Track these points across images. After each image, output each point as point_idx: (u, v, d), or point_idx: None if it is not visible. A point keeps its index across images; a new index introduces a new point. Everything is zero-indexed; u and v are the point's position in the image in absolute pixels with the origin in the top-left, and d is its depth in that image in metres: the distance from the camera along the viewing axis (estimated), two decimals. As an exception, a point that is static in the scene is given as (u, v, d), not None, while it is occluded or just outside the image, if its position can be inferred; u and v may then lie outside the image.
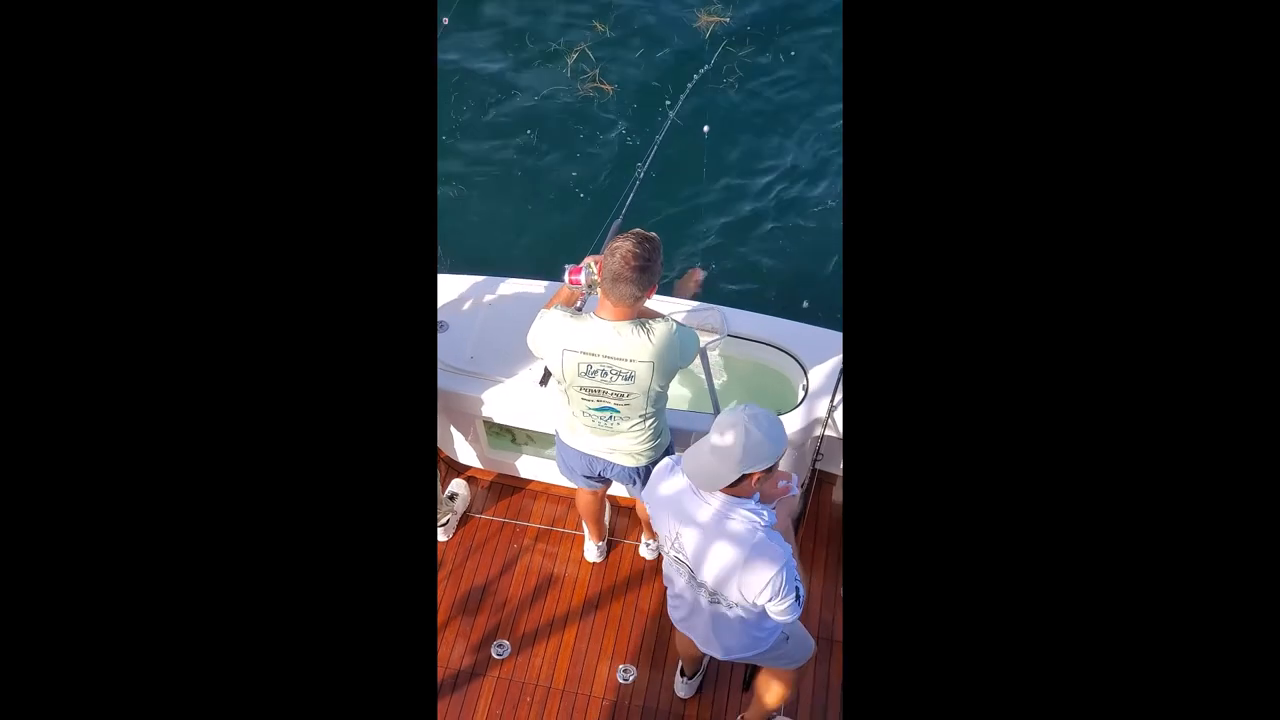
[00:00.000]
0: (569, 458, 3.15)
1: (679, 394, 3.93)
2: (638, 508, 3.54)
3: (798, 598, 2.37)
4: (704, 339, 3.50)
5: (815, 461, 3.19)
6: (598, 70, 6.27)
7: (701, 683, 3.42)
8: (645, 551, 3.75)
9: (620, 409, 2.80)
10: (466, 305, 3.78)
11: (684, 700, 3.39)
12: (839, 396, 3.23)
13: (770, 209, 5.75)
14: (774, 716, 3.28)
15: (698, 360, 3.45)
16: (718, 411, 3.35)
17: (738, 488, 2.32)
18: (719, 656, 2.73)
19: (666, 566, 2.69)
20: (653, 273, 2.59)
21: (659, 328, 2.68)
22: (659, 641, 3.55)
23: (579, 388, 2.78)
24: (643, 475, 3.09)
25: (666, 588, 2.80)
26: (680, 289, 5.03)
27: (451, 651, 3.53)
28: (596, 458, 3.05)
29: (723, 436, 2.27)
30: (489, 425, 3.78)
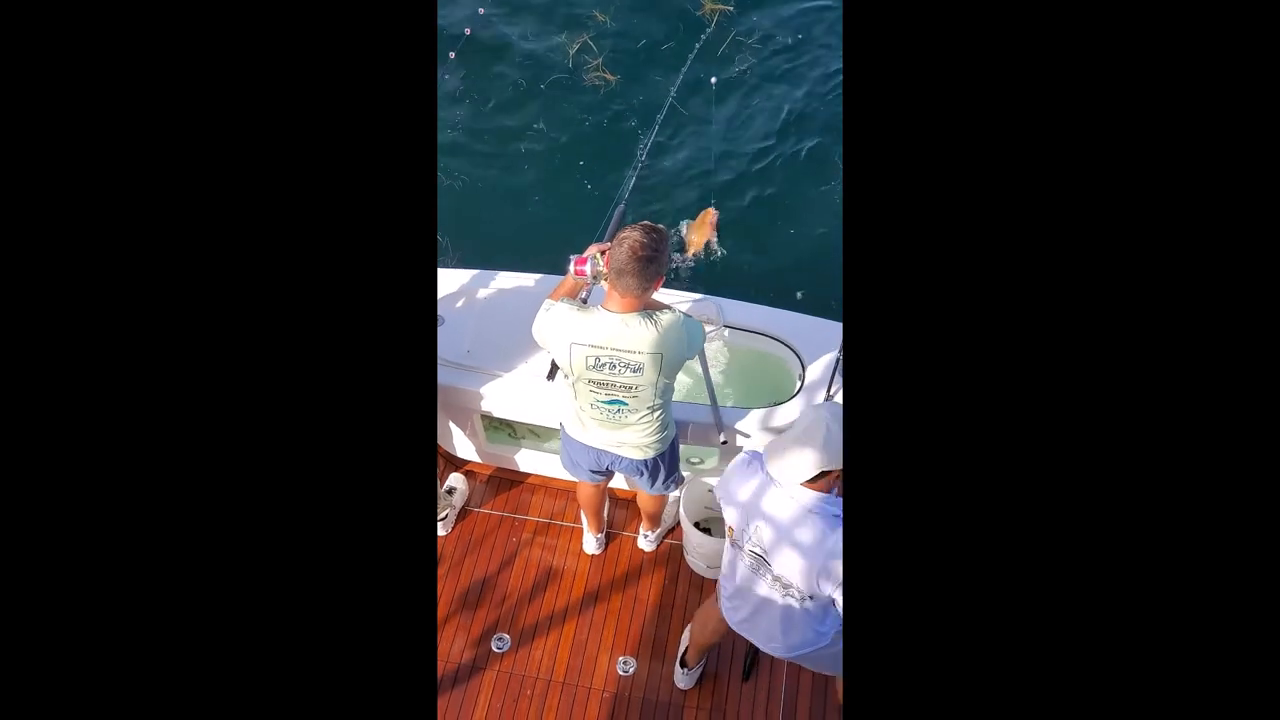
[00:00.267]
0: (575, 452, 3.15)
1: (676, 385, 3.93)
2: (639, 498, 3.54)
3: None
4: (700, 330, 3.51)
5: (813, 451, 3.19)
6: (600, 60, 6.28)
7: (701, 674, 3.42)
8: (644, 544, 3.75)
9: (628, 401, 2.80)
10: (463, 299, 3.78)
11: (684, 691, 3.40)
12: (836, 386, 3.23)
13: (768, 199, 5.76)
14: None
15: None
16: (714, 403, 3.35)
17: (818, 483, 2.42)
18: (781, 655, 2.75)
19: (730, 564, 2.72)
20: (660, 264, 2.59)
21: (666, 319, 2.68)
22: (659, 633, 3.55)
23: (587, 381, 2.77)
24: (649, 468, 3.10)
25: (723, 589, 2.83)
26: (697, 231, 5.09)
27: (451, 646, 3.53)
28: (605, 451, 3.05)
29: (805, 433, 2.39)
30: (487, 419, 3.78)
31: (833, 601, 2.47)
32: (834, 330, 3.58)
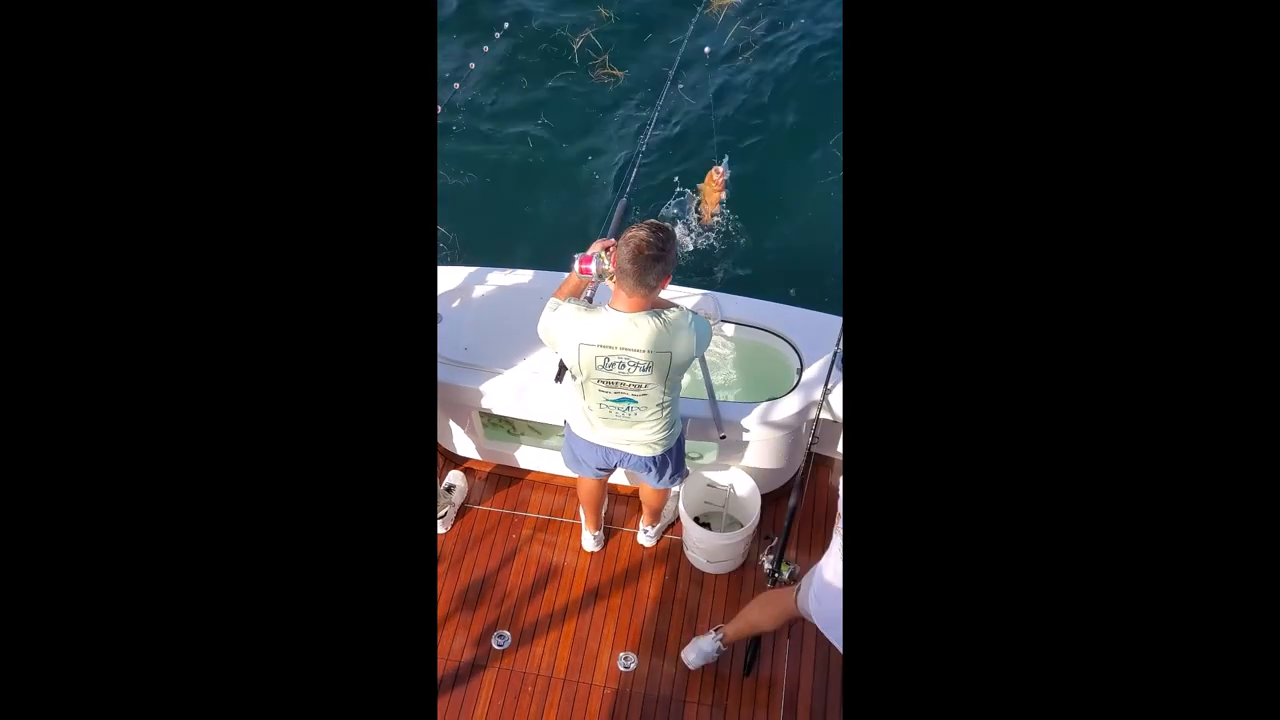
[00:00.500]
0: (581, 450, 3.14)
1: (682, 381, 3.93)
2: (642, 492, 3.54)
3: None
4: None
5: (811, 444, 3.19)
6: (606, 56, 6.28)
7: (704, 666, 3.43)
8: (644, 539, 3.75)
9: (638, 399, 2.80)
10: (460, 297, 3.77)
11: (685, 686, 3.40)
12: (834, 380, 3.23)
13: (767, 193, 5.75)
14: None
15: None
16: (713, 398, 3.34)
17: None
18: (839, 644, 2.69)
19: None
20: (667, 263, 2.57)
21: (675, 318, 2.66)
22: (659, 629, 3.55)
23: (596, 380, 2.76)
24: (658, 464, 3.10)
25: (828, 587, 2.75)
26: (708, 194, 5.13)
27: (452, 644, 3.53)
28: (613, 449, 3.04)
29: None
30: (486, 416, 3.78)
31: None
32: (831, 324, 3.57)
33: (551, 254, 3.80)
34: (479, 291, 3.78)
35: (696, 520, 3.60)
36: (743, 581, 3.65)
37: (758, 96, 6.17)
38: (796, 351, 3.54)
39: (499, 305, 3.72)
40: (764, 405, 3.41)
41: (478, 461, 4.05)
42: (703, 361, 3.37)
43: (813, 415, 3.36)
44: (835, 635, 2.73)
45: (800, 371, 3.48)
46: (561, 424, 3.26)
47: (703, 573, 3.68)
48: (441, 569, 3.74)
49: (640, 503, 3.65)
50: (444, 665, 3.48)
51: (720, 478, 3.62)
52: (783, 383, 3.53)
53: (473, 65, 3.67)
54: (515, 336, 3.44)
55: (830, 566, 2.71)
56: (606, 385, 2.76)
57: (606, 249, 2.72)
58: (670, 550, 3.76)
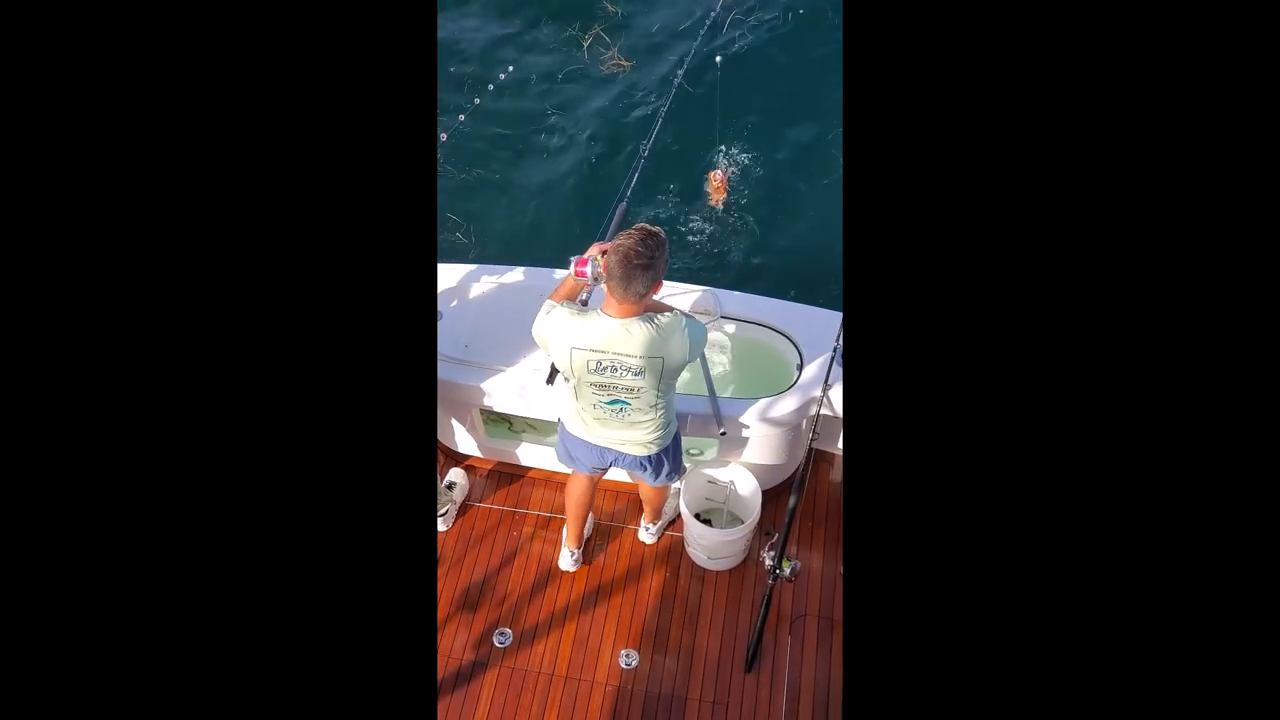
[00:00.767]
0: (576, 448, 3.14)
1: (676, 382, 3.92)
2: (641, 489, 3.53)
3: None
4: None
5: (811, 441, 3.18)
6: (616, 49, 6.30)
7: (705, 664, 3.42)
8: (645, 536, 3.74)
9: (631, 401, 2.80)
10: (460, 295, 3.77)
11: (686, 684, 3.39)
12: (834, 376, 3.22)
13: (770, 190, 5.75)
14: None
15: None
16: (713, 394, 3.34)
17: None
18: None
19: None
20: (657, 270, 2.57)
21: (668, 322, 2.66)
22: (661, 626, 3.54)
23: (588, 383, 2.77)
24: (653, 463, 3.10)
25: None
26: (711, 197, 5.22)
27: (453, 642, 3.53)
28: (608, 449, 3.05)
29: None
30: (486, 414, 3.77)
31: None
32: (831, 320, 3.56)
33: (553, 252, 3.80)
34: (479, 289, 3.78)
35: (697, 517, 3.59)
36: (744, 578, 3.64)
37: (763, 96, 6.16)
38: (797, 348, 3.53)
39: (499, 303, 3.71)
40: (765, 401, 3.40)
41: (479, 459, 4.04)
42: (703, 358, 3.36)
43: (813, 411, 3.35)
44: None
45: (801, 368, 3.47)
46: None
47: (704, 569, 3.68)
48: (443, 567, 3.73)
49: (640, 500, 3.65)
50: (445, 664, 3.47)
51: (721, 474, 3.61)
52: (783, 379, 3.52)
53: (461, 117, 3.70)
54: (516, 334, 3.43)
55: None
56: (599, 388, 2.77)
57: (603, 252, 2.72)
58: (671, 547, 3.75)
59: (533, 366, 3.49)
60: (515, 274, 3.78)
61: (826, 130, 5.96)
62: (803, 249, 5.41)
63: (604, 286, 2.70)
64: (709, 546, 3.57)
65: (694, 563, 3.69)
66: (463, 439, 3.94)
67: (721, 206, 5.48)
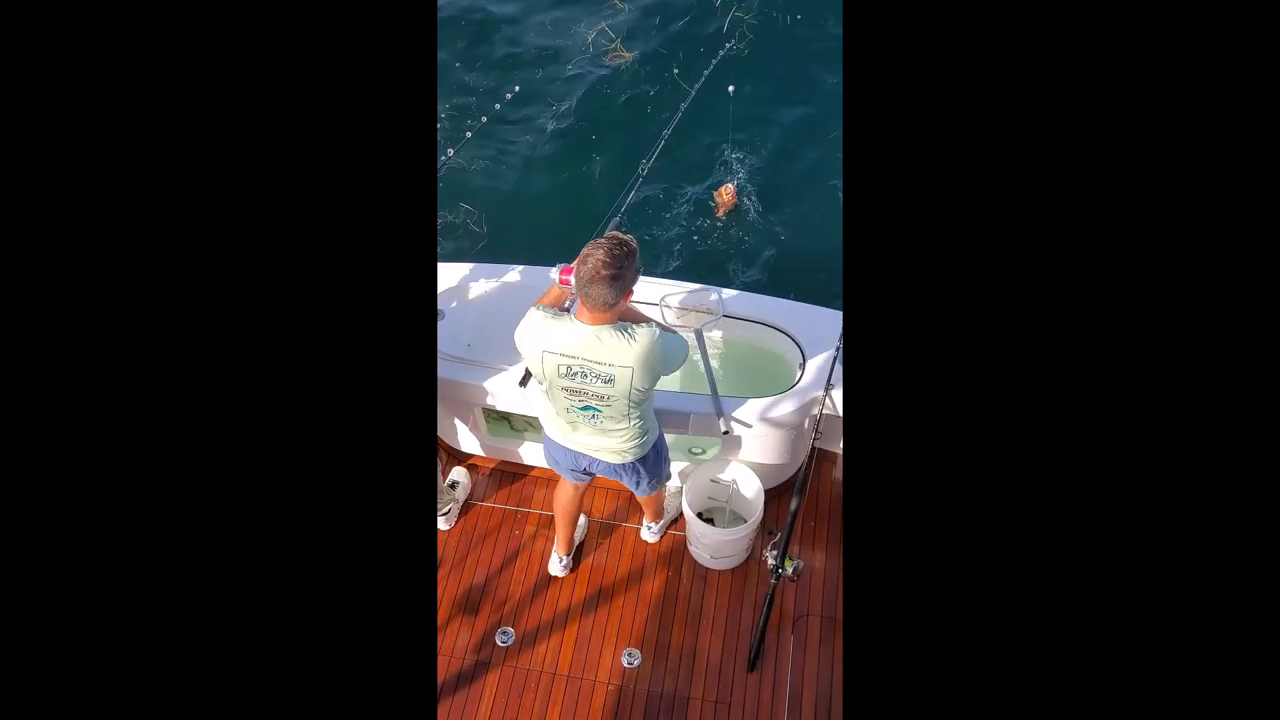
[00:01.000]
0: (555, 452, 3.16)
1: (678, 377, 3.92)
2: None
3: None
4: (700, 320, 3.49)
5: (814, 440, 3.18)
6: (619, 41, 6.32)
7: (707, 664, 3.42)
8: (647, 535, 3.74)
9: (602, 409, 2.80)
10: (462, 294, 3.76)
11: (689, 683, 3.39)
12: (836, 375, 3.21)
13: (767, 189, 5.74)
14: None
15: (695, 341, 3.44)
16: (715, 393, 3.33)
17: None
18: None
19: None
20: (625, 280, 2.57)
21: (641, 334, 2.66)
22: (663, 625, 3.54)
23: (560, 388, 2.77)
24: (628, 471, 3.09)
25: None
26: (719, 209, 5.22)
27: (456, 641, 3.53)
28: (582, 454, 3.06)
29: None
30: (488, 413, 3.77)
31: None
32: (834, 319, 3.55)
33: (555, 251, 3.79)
34: (481, 289, 3.78)
35: (700, 516, 3.59)
36: (746, 577, 3.64)
37: (770, 96, 6.15)
38: (799, 347, 3.52)
39: (501, 302, 3.71)
40: (767, 400, 3.40)
41: (481, 458, 4.04)
42: (705, 355, 3.36)
43: (816, 410, 3.35)
44: None
45: (803, 367, 3.47)
46: None
47: (706, 569, 3.67)
48: (445, 566, 3.73)
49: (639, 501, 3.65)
50: (448, 663, 3.47)
51: (724, 473, 3.61)
52: (786, 378, 3.52)
53: (468, 135, 3.73)
54: None
55: None
56: (570, 393, 2.78)
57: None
58: (674, 546, 3.75)
59: (518, 379, 3.50)
60: (518, 273, 3.78)
61: (836, 133, 5.96)
62: (810, 251, 5.41)
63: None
64: (711, 546, 3.56)
65: (696, 562, 3.69)
66: (465, 438, 3.94)
67: (729, 215, 5.51)
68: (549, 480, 3.97)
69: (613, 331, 2.64)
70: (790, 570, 3.00)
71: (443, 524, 3.82)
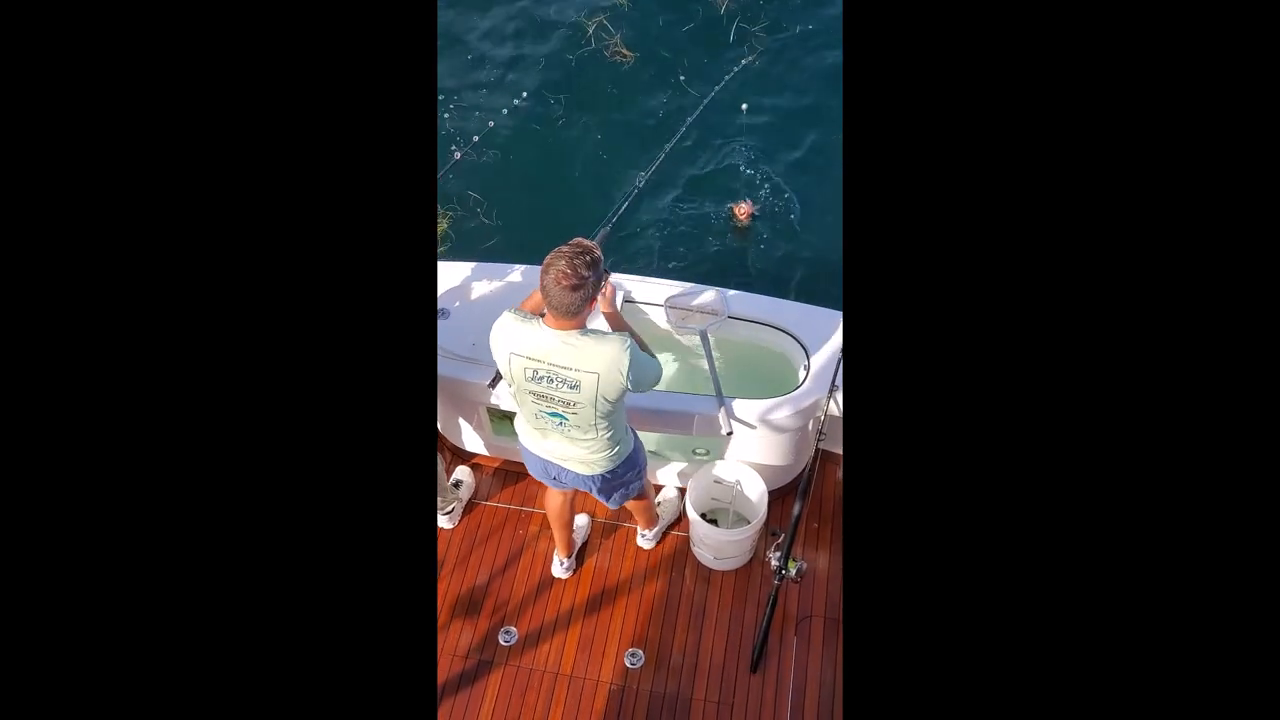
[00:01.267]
0: (527, 458, 3.15)
1: (682, 377, 3.92)
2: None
3: None
4: (705, 320, 3.49)
5: (819, 441, 3.17)
6: (619, 36, 6.33)
7: (710, 664, 3.42)
8: (643, 542, 3.73)
9: (569, 416, 2.77)
10: (467, 292, 3.77)
11: (691, 684, 3.39)
12: (840, 377, 3.21)
13: (773, 193, 5.74)
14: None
15: (699, 343, 3.44)
16: (720, 394, 3.33)
17: None
18: None
19: None
20: (586, 290, 2.56)
21: (611, 343, 2.65)
22: (666, 626, 3.54)
23: (528, 391, 2.77)
24: (597, 483, 3.06)
25: None
26: (738, 221, 5.43)
27: (459, 640, 3.53)
28: (551, 462, 3.03)
29: None
30: (493, 412, 3.77)
31: None
32: (839, 320, 3.55)
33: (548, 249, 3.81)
34: (485, 288, 3.78)
35: (704, 516, 3.59)
36: (750, 578, 3.64)
37: (783, 99, 6.15)
38: (804, 348, 3.52)
39: (506, 301, 3.70)
40: (772, 401, 3.40)
41: (485, 457, 4.04)
42: (710, 356, 3.36)
43: (820, 412, 3.35)
44: None
45: (808, 368, 3.47)
46: None
47: (709, 569, 3.67)
48: (449, 565, 3.74)
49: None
50: (451, 661, 3.48)
51: (727, 474, 3.61)
52: (790, 379, 3.52)
53: (476, 138, 3.72)
54: None
55: None
56: (538, 398, 2.77)
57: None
58: (677, 547, 3.75)
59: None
60: (522, 272, 3.78)
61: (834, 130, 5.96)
62: (821, 259, 5.40)
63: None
64: (715, 546, 3.56)
65: (700, 563, 3.69)
66: (469, 437, 3.94)
67: (745, 229, 5.55)
68: (552, 480, 3.98)
69: (580, 336, 2.63)
70: (793, 571, 3.00)
71: (446, 523, 3.82)
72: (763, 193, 5.71)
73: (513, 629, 3.55)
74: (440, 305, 3.71)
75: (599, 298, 2.72)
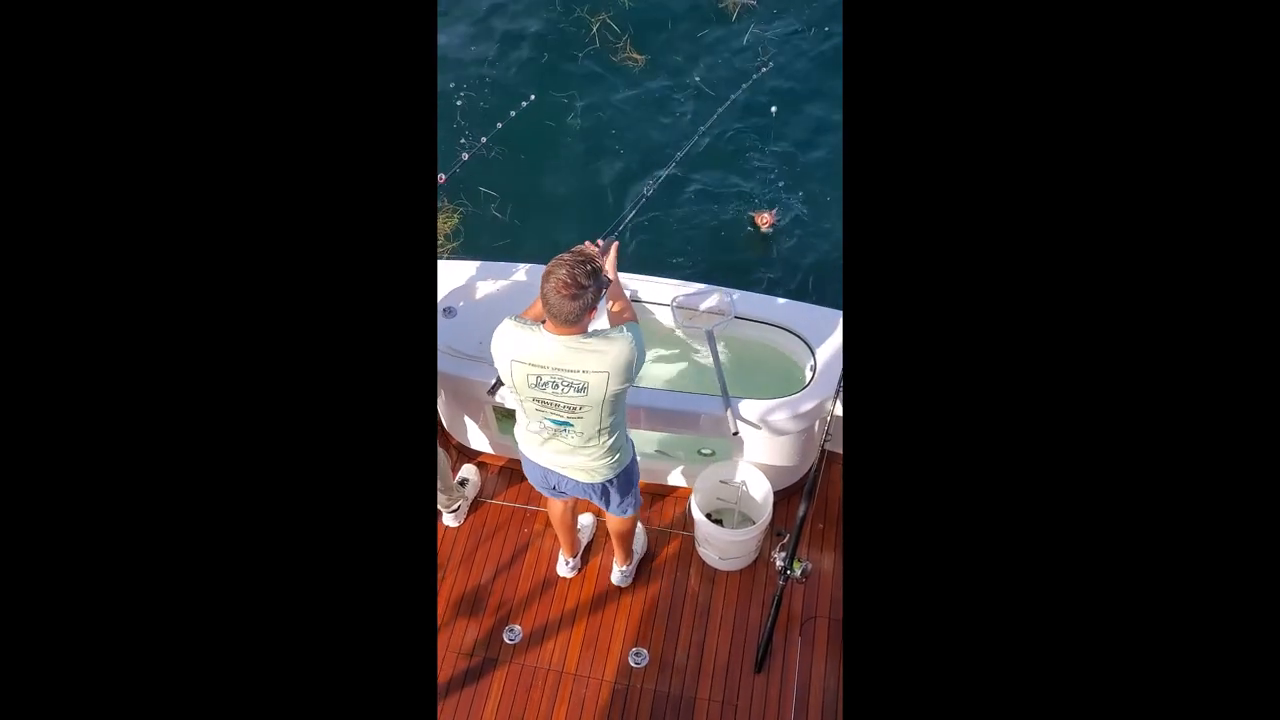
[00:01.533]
0: (527, 468, 3.12)
1: (688, 377, 3.92)
2: (608, 524, 3.49)
3: None
4: (711, 320, 3.49)
5: (824, 442, 3.18)
6: (628, 38, 6.34)
7: (714, 664, 3.42)
8: (616, 579, 3.67)
9: (574, 422, 2.77)
10: (474, 291, 3.77)
11: (696, 684, 3.40)
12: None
13: (783, 195, 5.74)
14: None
15: (706, 344, 3.44)
16: (726, 394, 3.34)
17: None
18: None
19: None
20: (587, 299, 2.56)
21: (617, 343, 2.64)
22: (670, 625, 3.54)
23: (531, 399, 2.75)
24: (598, 491, 3.06)
25: None
26: (758, 228, 5.48)
27: (463, 637, 3.54)
28: (551, 471, 3.02)
29: None
30: (499, 410, 3.78)
31: None
32: None
33: (558, 249, 3.81)
34: (493, 286, 3.79)
35: (709, 517, 3.59)
36: (754, 579, 3.64)
37: (816, 106, 6.15)
38: (810, 348, 3.52)
39: (514, 300, 3.71)
40: (777, 402, 3.40)
41: (491, 455, 4.05)
42: (716, 356, 3.36)
43: (826, 413, 3.35)
44: None
45: (814, 369, 3.47)
46: None
47: (714, 569, 3.68)
48: (454, 563, 3.74)
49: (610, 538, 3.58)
50: (455, 659, 3.49)
51: (733, 474, 3.61)
52: (796, 380, 3.52)
53: (484, 139, 3.74)
54: None
55: None
56: (541, 404, 2.75)
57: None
58: (683, 547, 3.75)
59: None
60: (526, 271, 3.79)
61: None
62: (835, 264, 5.41)
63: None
64: (720, 547, 3.57)
65: (704, 563, 3.69)
66: (475, 436, 3.95)
67: (767, 232, 5.57)
68: (558, 479, 3.98)
69: (583, 340, 2.62)
70: (798, 572, 3.00)
71: (452, 521, 3.83)
72: (782, 199, 5.70)
73: (517, 627, 3.55)
74: (447, 304, 3.72)
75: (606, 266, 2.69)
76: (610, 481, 3.02)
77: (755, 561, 3.67)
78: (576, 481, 3.02)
